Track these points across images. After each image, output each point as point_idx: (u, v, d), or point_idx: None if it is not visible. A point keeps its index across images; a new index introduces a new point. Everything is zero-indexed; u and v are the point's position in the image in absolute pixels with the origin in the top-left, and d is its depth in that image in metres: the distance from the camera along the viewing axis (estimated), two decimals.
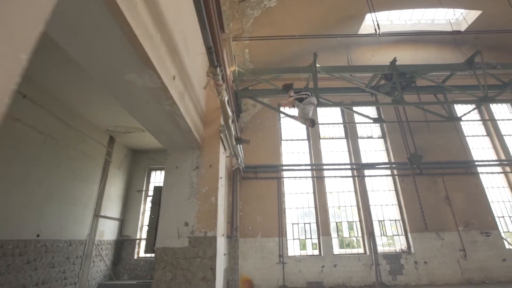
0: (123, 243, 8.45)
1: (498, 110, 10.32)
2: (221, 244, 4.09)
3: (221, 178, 4.24)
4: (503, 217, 8.54)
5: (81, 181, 6.94)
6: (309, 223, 8.24)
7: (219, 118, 4.56)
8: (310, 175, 8.80)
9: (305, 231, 8.17)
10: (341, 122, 9.56)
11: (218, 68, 3.22)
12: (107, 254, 7.80)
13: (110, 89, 2.80)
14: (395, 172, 8.79)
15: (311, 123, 5.48)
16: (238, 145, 6.48)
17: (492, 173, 9.06)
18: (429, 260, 7.73)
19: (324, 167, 8.75)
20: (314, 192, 8.59)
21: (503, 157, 9.21)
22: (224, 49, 5.51)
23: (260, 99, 8.70)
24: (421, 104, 7.47)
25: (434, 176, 8.63)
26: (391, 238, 8.38)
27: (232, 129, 4.85)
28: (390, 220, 8.44)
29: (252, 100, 8.88)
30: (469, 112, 8.28)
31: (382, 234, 8.32)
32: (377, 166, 8.72)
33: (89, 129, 7.32)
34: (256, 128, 9.44)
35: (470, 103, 8.67)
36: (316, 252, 7.98)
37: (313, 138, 9.32)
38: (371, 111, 10.00)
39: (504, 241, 8.02)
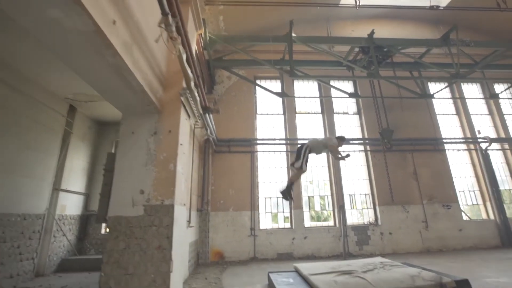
0: (89, 218, 8.09)
1: (469, 90, 10.59)
2: (181, 214, 3.91)
3: (181, 144, 3.97)
4: (463, 191, 9.02)
5: (36, 152, 6.39)
6: (282, 197, 8.25)
7: (181, 82, 4.20)
8: (285, 150, 8.72)
9: (278, 205, 8.21)
10: (318, 96, 9.40)
11: (170, 17, 2.85)
12: (71, 229, 7.44)
13: (36, 31, 2.37)
14: (368, 148, 8.91)
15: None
16: (208, 115, 6.18)
17: (458, 150, 9.43)
18: (394, 231, 8.08)
19: (299, 141, 8.67)
20: (288, 167, 8.55)
21: (468, 135, 9.58)
22: (189, 7, 5.04)
23: (236, 70, 8.30)
24: (396, 78, 7.44)
25: (404, 152, 8.86)
26: (361, 212, 8.65)
27: (196, 94, 4.52)
28: (360, 194, 8.65)
29: (227, 71, 8.48)
30: (441, 89, 8.45)
31: (352, 208, 8.54)
32: (351, 142, 8.77)
33: (44, 96, 6.64)
34: (231, 101, 9.10)
35: (443, 80, 8.81)
36: (288, 225, 8.09)
37: (289, 112, 9.16)
38: (348, 87, 9.91)
39: (462, 213, 8.53)
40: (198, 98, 4.69)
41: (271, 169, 8.55)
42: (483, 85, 10.42)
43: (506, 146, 9.71)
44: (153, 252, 3.35)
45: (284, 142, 8.70)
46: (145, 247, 3.36)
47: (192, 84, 4.20)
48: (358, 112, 9.54)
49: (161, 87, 4.01)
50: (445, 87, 8.49)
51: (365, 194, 8.68)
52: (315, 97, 9.19)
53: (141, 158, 3.77)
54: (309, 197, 8.39)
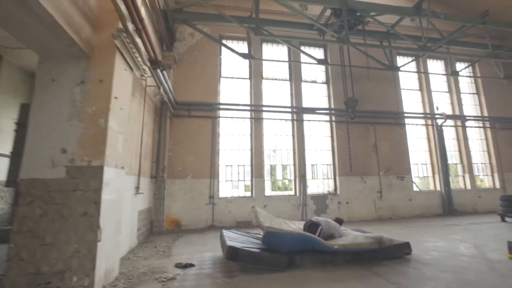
0: None
1: (433, 67, 10.78)
2: (117, 177, 3.41)
3: (116, 98, 3.36)
4: (416, 164, 9.51)
5: None
6: (243, 165, 8.03)
7: (116, 22, 3.47)
8: (249, 116, 8.32)
9: (239, 173, 7.98)
10: (287, 60, 8.89)
11: None
12: (3, 196, 6.59)
13: None
14: (333, 118, 8.83)
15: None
16: (161, 72, 5.48)
17: (417, 124, 9.76)
18: (351, 201, 8.36)
19: (264, 108, 8.30)
20: (251, 134, 8.23)
21: (428, 111, 9.91)
22: None
23: (200, 27, 7.44)
24: (365, 46, 7.19)
25: (367, 124, 8.93)
26: (322, 182, 8.78)
27: (139, 40, 3.83)
28: (322, 164, 8.71)
29: (189, 27, 7.58)
30: (408, 62, 8.43)
31: (314, 177, 8.62)
32: (317, 111, 8.60)
33: None
34: (193, 61, 8.29)
35: (410, 54, 8.78)
36: (248, 193, 7.97)
37: (255, 77, 8.63)
38: (319, 55, 9.52)
39: (414, 184, 9.05)
40: (142, 47, 4.00)
41: (234, 136, 8.18)
42: (446, 62, 10.65)
43: (459, 123, 10.26)
44: (77, 219, 2.89)
45: (248, 108, 8.27)
46: (67, 214, 2.89)
47: (131, 26, 3.50)
48: (327, 82, 9.30)
49: (89, 25, 3.27)
50: (412, 61, 8.49)
51: (327, 165, 8.75)
52: (283, 61, 8.64)
53: (63, 111, 3.13)
54: (271, 166, 8.26)
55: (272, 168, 8.27)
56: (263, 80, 8.69)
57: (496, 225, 6.97)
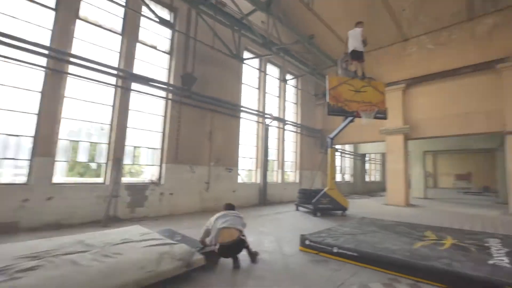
0: None
1: (271, 71, 11.93)
2: None
3: None
4: (244, 157, 10.09)
5: None
6: (19, 136, 5.22)
7: None
8: (44, 65, 5.49)
9: (7, 148, 5.10)
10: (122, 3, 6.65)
11: None
12: None
13: None
14: (170, 96, 7.58)
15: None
16: None
17: (250, 120, 10.34)
18: (175, 192, 7.49)
19: (72, 59, 5.76)
20: (42, 92, 5.49)
21: (261, 110, 10.78)
22: None
23: None
24: (214, 19, 6.51)
25: (205, 110, 8.38)
26: (144, 168, 7.39)
27: None
28: (147, 148, 7.29)
29: None
30: (252, 58, 8.61)
31: (135, 163, 7.05)
32: (151, 83, 7.05)
33: None
34: None
35: (255, 50, 9.05)
36: (22, 179, 5.27)
37: (66, 12, 5.83)
38: (166, 17, 7.95)
39: (239, 176, 9.49)
40: None
41: (8, 90, 5.15)
42: (281, 71, 12.09)
43: (281, 125, 11.93)
44: None
45: (45, 51, 5.42)
46: None
47: None
48: (170, 53, 7.88)
49: None
50: (256, 57, 8.79)
51: (154, 149, 7.43)
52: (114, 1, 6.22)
53: None
54: (72, 141, 5.92)
55: (74, 145, 5.94)
56: (78, 20, 6.07)
57: (293, 214, 8.31)
